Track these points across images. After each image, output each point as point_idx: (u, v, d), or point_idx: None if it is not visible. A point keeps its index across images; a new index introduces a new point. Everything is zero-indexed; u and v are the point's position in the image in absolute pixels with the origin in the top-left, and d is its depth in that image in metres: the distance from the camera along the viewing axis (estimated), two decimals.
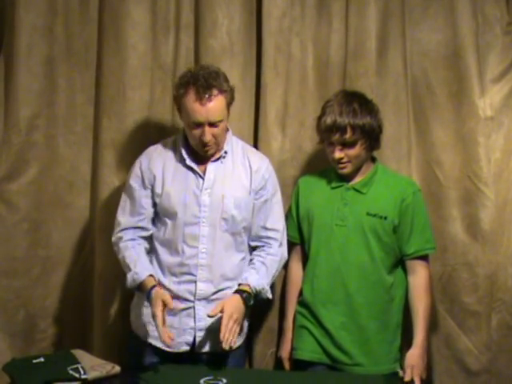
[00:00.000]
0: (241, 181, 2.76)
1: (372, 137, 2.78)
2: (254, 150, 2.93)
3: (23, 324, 3.18)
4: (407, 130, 3.08)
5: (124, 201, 2.81)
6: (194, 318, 2.74)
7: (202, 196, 2.71)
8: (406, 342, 2.85)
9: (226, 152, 2.76)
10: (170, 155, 2.78)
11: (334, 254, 2.83)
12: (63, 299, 3.21)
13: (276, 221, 2.85)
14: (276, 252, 2.83)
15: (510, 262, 3.05)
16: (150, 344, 2.76)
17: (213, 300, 2.74)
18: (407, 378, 2.66)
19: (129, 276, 2.68)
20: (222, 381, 2.46)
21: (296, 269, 2.99)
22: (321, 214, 2.87)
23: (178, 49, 3.15)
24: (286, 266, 3.05)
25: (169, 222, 2.73)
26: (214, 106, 2.60)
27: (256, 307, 3.13)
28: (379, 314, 2.83)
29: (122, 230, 2.78)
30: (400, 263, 2.87)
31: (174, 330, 2.70)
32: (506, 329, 3.06)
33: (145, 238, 2.79)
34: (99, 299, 3.12)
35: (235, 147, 2.81)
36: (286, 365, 2.96)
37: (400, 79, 3.07)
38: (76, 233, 3.24)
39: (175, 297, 2.71)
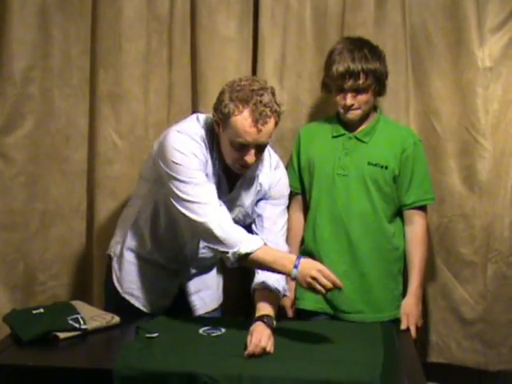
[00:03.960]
0: (252, 195, 2.64)
1: (381, 82, 2.79)
2: (267, 158, 2.64)
3: (23, 277, 3.19)
4: (405, 81, 3.07)
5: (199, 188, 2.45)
6: (179, 284, 2.76)
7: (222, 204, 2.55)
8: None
9: (257, 174, 2.60)
10: (208, 153, 2.51)
11: (335, 203, 2.84)
12: (62, 252, 3.22)
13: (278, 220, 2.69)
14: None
15: (507, 213, 3.06)
16: (127, 300, 2.75)
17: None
18: (403, 327, 2.70)
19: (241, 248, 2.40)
20: (220, 330, 2.48)
21: (297, 219, 2.99)
22: (322, 164, 2.88)
23: None
24: None
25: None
26: (268, 128, 2.38)
27: None
28: (381, 262, 2.86)
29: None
30: (400, 213, 2.89)
31: (154, 293, 2.74)
32: (501, 278, 3.09)
33: None
34: (99, 251, 3.13)
35: (265, 166, 2.61)
36: (290, 313, 2.99)
37: (398, 29, 3.04)
38: (74, 186, 3.23)
39: (163, 268, 2.72)
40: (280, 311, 3.04)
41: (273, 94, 2.42)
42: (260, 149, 2.44)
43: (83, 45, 3.16)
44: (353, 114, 2.80)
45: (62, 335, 2.38)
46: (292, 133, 3.12)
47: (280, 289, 2.56)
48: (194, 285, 2.77)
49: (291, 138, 3.11)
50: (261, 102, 2.36)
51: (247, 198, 2.64)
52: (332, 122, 2.90)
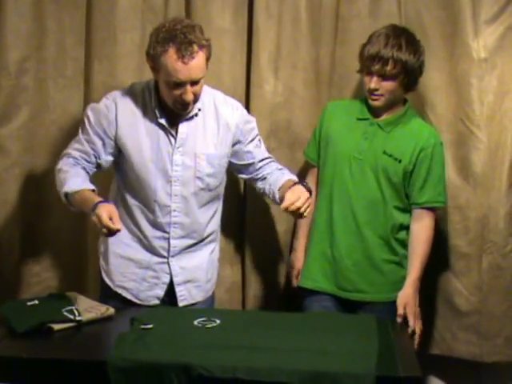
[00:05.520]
0: (213, 136, 2.70)
1: (411, 76, 2.78)
2: (223, 99, 2.76)
3: (17, 268, 3.19)
4: None
5: (77, 141, 2.68)
6: (169, 273, 2.76)
7: (173, 155, 2.65)
8: None
9: (199, 109, 2.66)
10: (140, 108, 2.65)
11: (347, 185, 2.85)
12: (57, 243, 3.21)
13: (266, 152, 2.86)
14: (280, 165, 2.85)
15: (502, 205, 3.05)
16: (120, 294, 2.78)
17: (187, 252, 2.77)
18: (400, 311, 2.72)
19: (64, 188, 2.54)
20: (215, 321, 2.48)
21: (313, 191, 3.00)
22: (339, 143, 2.88)
23: None
24: None
25: (139, 178, 2.66)
26: (197, 63, 2.46)
27: (247, 252, 3.17)
28: (386, 248, 2.87)
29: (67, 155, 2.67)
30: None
31: (145, 284, 2.75)
32: (496, 270, 3.08)
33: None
34: (93, 242, 3.10)
35: (206, 102, 2.68)
36: (294, 282, 3.04)
37: (393, 21, 3.01)
38: None
39: (148, 249, 2.74)
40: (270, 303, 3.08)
41: (200, 30, 2.50)
42: (194, 84, 2.51)
43: (78, 36, 3.15)
44: (376, 100, 2.81)
45: (56, 327, 2.37)
46: (287, 123, 3.12)
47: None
48: (182, 275, 2.77)
49: (285, 128, 3.12)
50: (185, 38, 2.44)
51: (207, 139, 2.68)
52: (360, 105, 2.91)
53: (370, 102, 2.83)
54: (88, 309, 2.51)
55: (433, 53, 3.04)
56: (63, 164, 2.63)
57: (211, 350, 2.25)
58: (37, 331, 2.35)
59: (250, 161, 2.79)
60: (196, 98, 2.57)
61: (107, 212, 2.39)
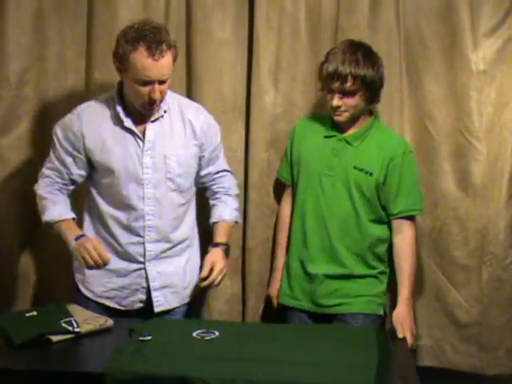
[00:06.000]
0: (180, 138, 2.73)
1: (372, 89, 2.78)
2: (188, 102, 2.83)
3: (15, 279, 3.19)
4: (399, 85, 3.06)
5: (49, 161, 2.77)
6: (147, 278, 2.77)
7: (143, 158, 2.67)
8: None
9: (165, 111, 2.69)
10: (105, 116, 2.69)
11: (319, 202, 2.86)
12: (55, 253, 3.19)
13: (224, 163, 2.91)
14: (232, 182, 2.93)
15: (501, 216, 3.06)
16: (103, 304, 2.79)
17: (163, 258, 2.78)
18: (400, 335, 2.66)
19: (43, 217, 2.71)
20: (214, 333, 2.48)
21: (287, 211, 3.02)
22: (310, 161, 2.90)
23: (170, 1, 3.11)
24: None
25: (111, 185, 2.69)
26: (166, 62, 2.52)
27: (247, 263, 3.16)
28: (360, 264, 2.87)
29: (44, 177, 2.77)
30: (389, 221, 2.89)
31: (126, 291, 2.77)
32: (496, 282, 3.09)
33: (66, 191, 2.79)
34: None
35: (171, 104, 2.72)
36: (274, 303, 3.04)
37: (392, 33, 3.04)
38: None
39: (124, 258, 2.75)
40: (268, 315, 3.09)
41: (167, 32, 2.56)
42: (162, 83, 2.55)
43: (78, 47, 3.16)
44: (340, 116, 2.81)
45: (54, 338, 2.37)
46: (286, 135, 3.12)
47: (232, 218, 2.86)
48: (159, 280, 2.78)
49: (285, 139, 3.11)
50: (155, 36, 2.49)
51: (175, 140, 2.71)
52: (326, 122, 2.91)
53: (335, 118, 2.83)
54: (86, 320, 2.51)
55: (432, 65, 3.06)
56: (41, 187, 2.75)
57: (210, 362, 2.25)
58: (35, 343, 2.35)
59: (207, 171, 2.84)
60: (162, 99, 2.61)
61: (93, 245, 2.55)
